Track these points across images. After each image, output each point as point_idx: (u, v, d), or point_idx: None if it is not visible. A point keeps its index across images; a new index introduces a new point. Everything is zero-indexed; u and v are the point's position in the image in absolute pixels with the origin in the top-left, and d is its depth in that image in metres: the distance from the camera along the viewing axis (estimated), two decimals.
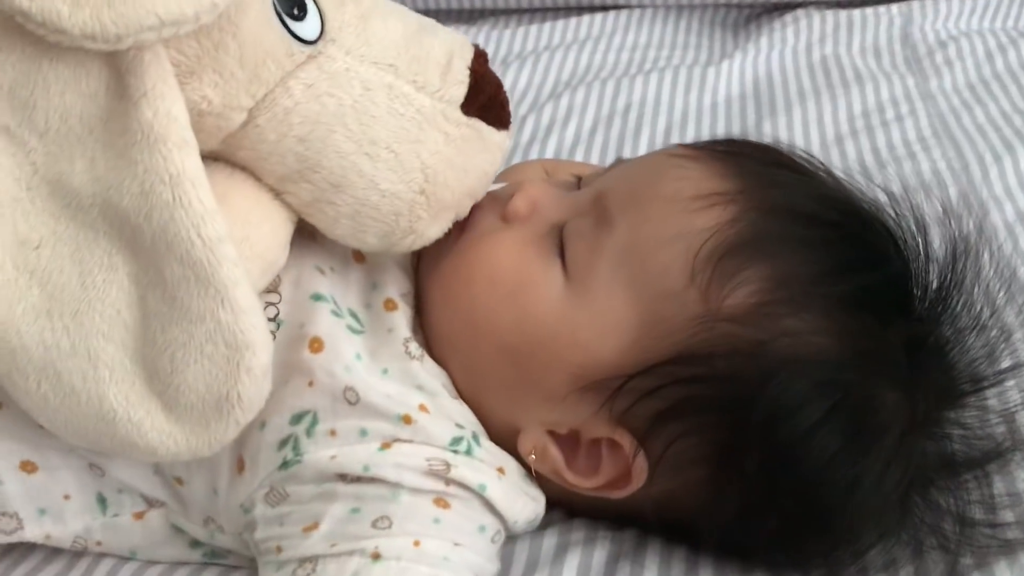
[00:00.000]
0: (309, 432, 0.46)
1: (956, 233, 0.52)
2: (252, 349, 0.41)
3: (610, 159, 0.83)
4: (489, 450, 0.48)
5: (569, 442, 0.49)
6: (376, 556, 0.44)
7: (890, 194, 0.54)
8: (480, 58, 0.50)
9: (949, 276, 0.51)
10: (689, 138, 0.89)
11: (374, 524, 0.45)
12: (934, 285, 0.51)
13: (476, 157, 0.49)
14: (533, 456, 0.49)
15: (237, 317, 0.41)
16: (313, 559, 0.44)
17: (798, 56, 1.03)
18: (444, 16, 1.10)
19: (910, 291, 0.50)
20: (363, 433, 0.46)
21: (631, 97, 0.96)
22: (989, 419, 0.51)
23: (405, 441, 0.46)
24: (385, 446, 0.46)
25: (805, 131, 0.91)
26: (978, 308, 0.51)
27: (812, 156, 0.55)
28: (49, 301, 0.40)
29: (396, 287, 0.51)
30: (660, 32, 1.10)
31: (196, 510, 0.49)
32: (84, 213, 0.41)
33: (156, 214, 0.40)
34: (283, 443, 0.46)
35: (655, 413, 0.47)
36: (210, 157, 0.45)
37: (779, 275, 0.47)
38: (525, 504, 0.49)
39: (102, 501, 0.49)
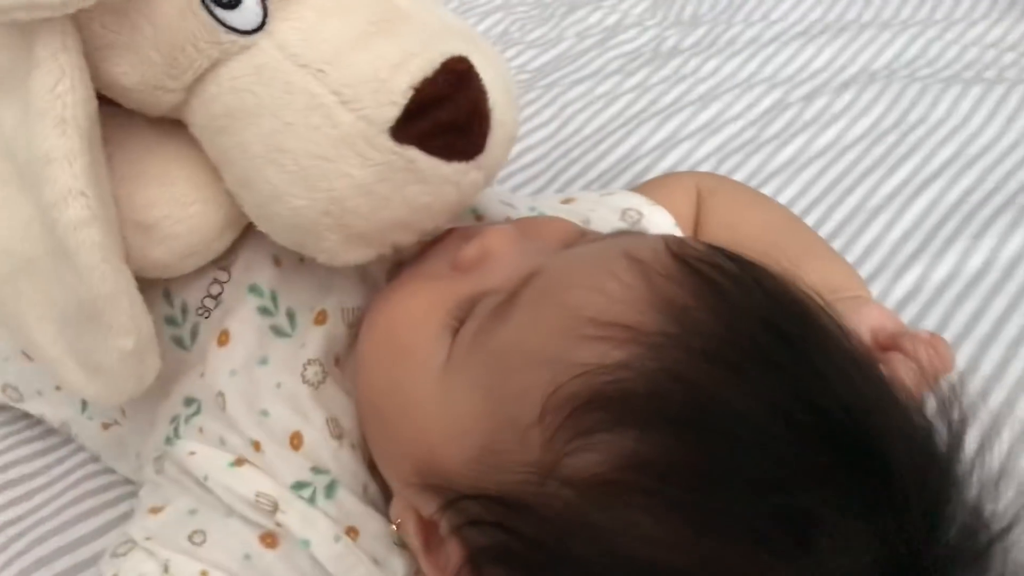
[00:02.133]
0: (188, 420, 0.47)
1: None
2: (113, 330, 0.44)
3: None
4: (343, 506, 0.45)
5: (429, 527, 0.44)
6: (166, 570, 0.44)
7: None
8: (449, 74, 0.42)
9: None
10: None
11: (190, 536, 0.45)
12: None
13: (405, 188, 0.43)
14: (394, 527, 0.45)
15: (95, 300, 0.43)
16: (130, 542, 0.46)
17: None
18: None
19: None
20: (222, 442, 0.46)
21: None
22: None
23: (252, 465, 0.45)
24: (238, 463, 0.45)
25: None
26: None
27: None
28: None
29: (341, 298, 0.48)
30: None
31: (132, 443, 0.53)
32: (9, 160, 0.45)
33: (36, 184, 0.43)
34: (173, 419, 0.48)
35: (477, 546, 0.40)
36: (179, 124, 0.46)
37: (646, 456, 0.36)
38: (366, 574, 0.45)
39: (84, 401, 0.55)
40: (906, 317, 0.62)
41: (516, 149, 0.79)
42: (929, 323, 0.62)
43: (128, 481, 0.56)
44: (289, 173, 0.43)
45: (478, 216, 0.55)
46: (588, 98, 0.86)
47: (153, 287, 0.49)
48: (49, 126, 0.42)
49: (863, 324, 0.54)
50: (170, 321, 0.50)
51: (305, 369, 0.47)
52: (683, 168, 0.77)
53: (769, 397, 0.36)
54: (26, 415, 0.60)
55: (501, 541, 0.38)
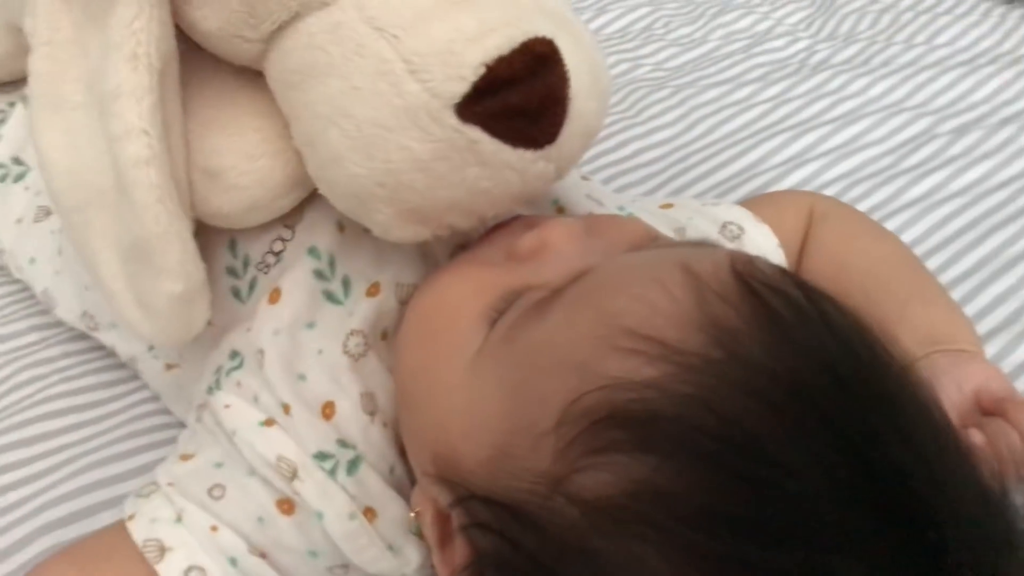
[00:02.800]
0: (229, 373, 0.46)
1: None
2: (163, 272, 0.44)
3: None
4: (364, 484, 0.44)
5: (444, 520, 0.42)
6: (179, 519, 0.44)
7: None
8: (528, 55, 0.40)
9: None
10: None
11: (210, 490, 0.44)
12: None
13: (465, 169, 0.41)
14: (412, 515, 0.43)
15: (148, 240, 0.43)
16: (154, 484, 0.45)
17: None
18: None
19: None
20: (256, 400, 0.45)
21: None
22: None
23: (280, 428, 0.44)
24: (268, 423, 0.44)
25: None
26: None
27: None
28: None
29: (397, 273, 0.47)
30: None
31: (188, 387, 0.52)
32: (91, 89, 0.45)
33: (106, 116, 0.43)
34: (217, 369, 0.48)
35: (481, 550, 0.38)
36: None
37: (662, 487, 0.33)
38: (378, 557, 0.44)
39: None
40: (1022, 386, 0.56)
41: (633, 147, 0.77)
42: None
43: (182, 424, 0.56)
44: (350, 138, 0.41)
45: (559, 208, 0.53)
46: (720, 103, 0.82)
47: (220, 236, 0.49)
48: (121, 60, 0.41)
49: (966, 382, 0.50)
50: (231, 272, 0.50)
51: (348, 339, 0.45)
52: (806, 189, 0.72)
53: (812, 446, 0.33)
54: (101, 346, 0.61)
55: (503, 550, 0.36)
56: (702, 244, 0.44)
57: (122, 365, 0.60)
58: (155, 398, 0.58)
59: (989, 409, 0.49)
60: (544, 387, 0.36)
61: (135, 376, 0.60)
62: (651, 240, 0.44)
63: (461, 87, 0.39)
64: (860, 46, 0.90)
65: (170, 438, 0.55)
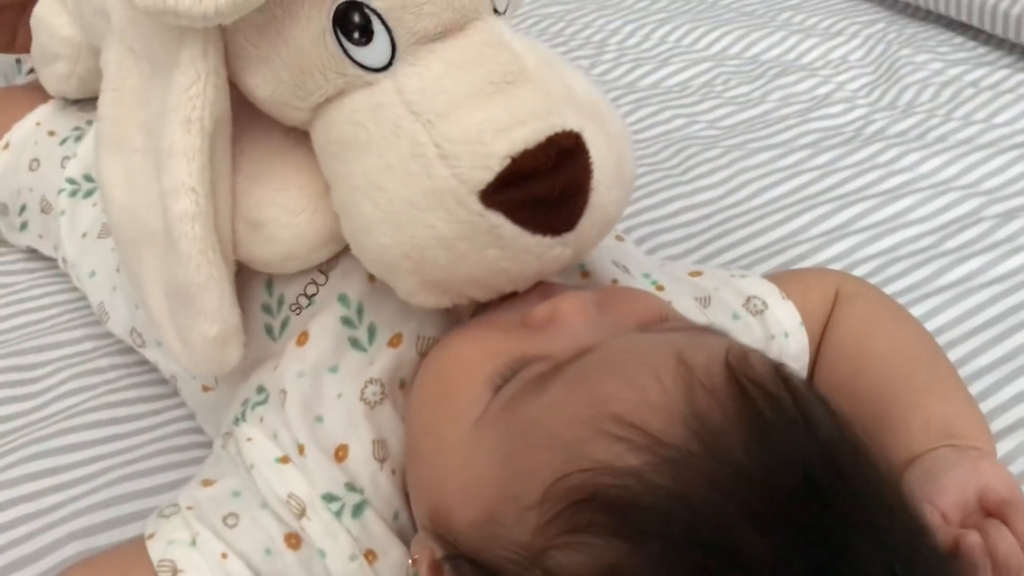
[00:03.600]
0: (254, 407, 0.49)
1: None
2: (201, 316, 0.47)
3: None
4: (368, 528, 0.46)
5: (438, 571, 0.45)
6: (193, 543, 0.46)
7: None
8: (552, 148, 0.42)
9: None
10: None
11: (225, 518, 0.46)
12: None
13: (486, 250, 0.43)
14: (410, 562, 0.46)
15: (188, 286, 0.46)
16: (176, 506, 0.48)
17: None
18: None
19: None
20: (275, 436, 0.48)
21: None
22: None
23: (294, 466, 0.47)
24: (283, 460, 0.47)
25: None
26: None
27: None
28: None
29: (420, 326, 0.49)
30: None
31: (221, 411, 0.55)
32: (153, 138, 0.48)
33: (160, 169, 0.46)
34: (244, 401, 0.50)
35: None
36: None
37: (627, 572, 0.35)
38: None
39: None
40: None
41: (676, 206, 0.78)
42: None
43: (211, 445, 0.59)
44: (381, 211, 0.44)
45: (584, 272, 0.55)
46: (769, 168, 0.83)
47: (258, 275, 0.52)
48: (177, 122, 0.45)
49: (972, 480, 0.50)
50: (266, 309, 0.53)
51: (366, 387, 0.48)
52: (843, 264, 0.73)
53: (780, 552, 0.34)
54: (146, 361, 0.64)
55: None
56: (706, 330, 0.45)
57: (164, 381, 0.64)
58: (191, 416, 0.62)
59: (991, 511, 0.49)
60: (533, 462, 0.38)
61: (175, 393, 0.63)
62: (660, 320, 0.46)
63: (486, 176, 0.42)
64: (918, 118, 0.90)
65: (199, 457, 0.58)
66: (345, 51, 0.44)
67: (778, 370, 0.40)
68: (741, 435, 0.36)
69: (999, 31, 0.99)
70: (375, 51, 0.44)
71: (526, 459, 0.39)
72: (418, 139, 0.43)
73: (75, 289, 0.70)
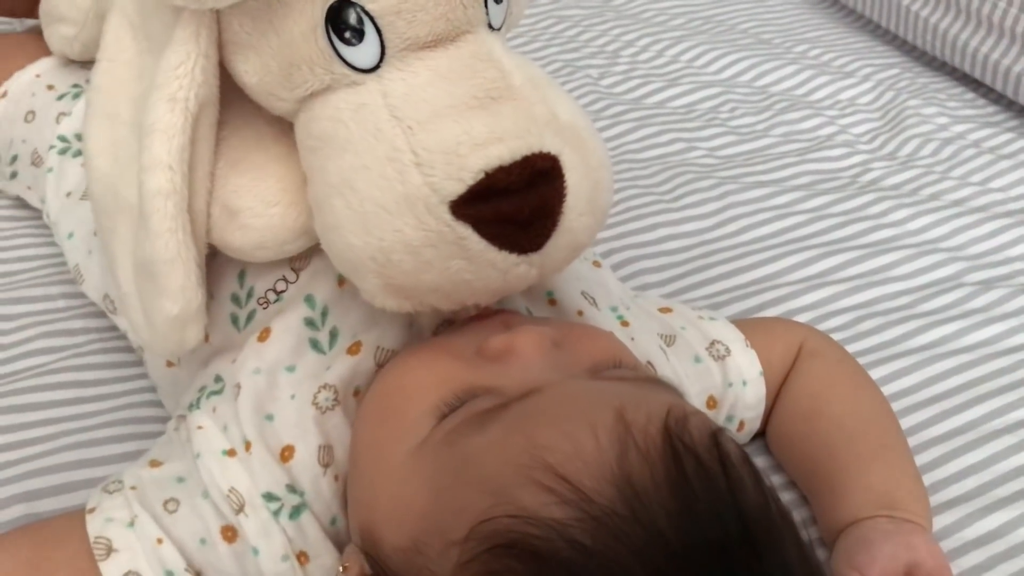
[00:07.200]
0: (209, 395, 0.50)
1: None
2: (165, 295, 0.47)
3: None
4: (303, 530, 0.46)
5: None
6: (131, 524, 0.46)
7: None
8: (527, 168, 0.42)
9: None
10: None
11: (166, 502, 0.47)
12: None
13: (450, 260, 0.43)
14: (341, 569, 0.45)
15: (155, 262, 0.46)
16: (120, 483, 0.48)
17: None
18: None
19: None
20: (225, 428, 0.48)
21: None
22: None
23: (239, 461, 0.47)
24: (230, 453, 0.47)
25: None
26: None
27: None
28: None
29: (381, 336, 0.49)
30: None
31: (182, 389, 0.55)
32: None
33: (140, 144, 0.46)
34: (201, 389, 0.51)
35: None
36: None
37: None
38: None
39: None
40: None
41: (661, 232, 0.79)
42: None
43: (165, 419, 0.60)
44: (352, 210, 0.44)
45: (552, 300, 0.55)
46: (759, 205, 0.84)
47: (233, 264, 0.53)
48: (162, 99, 0.45)
49: (903, 553, 0.51)
50: (235, 299, 0.53)
51: (319, 392, 0.48)
52: (817, 313, 0.73)
53: None
54: (115, 327, 0.64)
55: None
56: (655, 383, 0.46)
57: (132, 350, 0.64)
58: (153, 389, 0.62)
59: None
60: (464, 499, 0.39)
61: (140, 363, 0.63)
62: (613, 364, 0.46)
63: (458, 187, 0.42)
64: (915, 172, 0.90)
65: (156, 432, 0.58)
66: (335, 49, 0.44)
67: (715, 437, 0.39)
68: (666, 502, 0.36)
69: (998, 86, 0.98)
70: (364, 52, 0.44)
71: (457, 495, 0.39)
72: (396, 144, 0.43)
73: (58, 244, 0.71)
